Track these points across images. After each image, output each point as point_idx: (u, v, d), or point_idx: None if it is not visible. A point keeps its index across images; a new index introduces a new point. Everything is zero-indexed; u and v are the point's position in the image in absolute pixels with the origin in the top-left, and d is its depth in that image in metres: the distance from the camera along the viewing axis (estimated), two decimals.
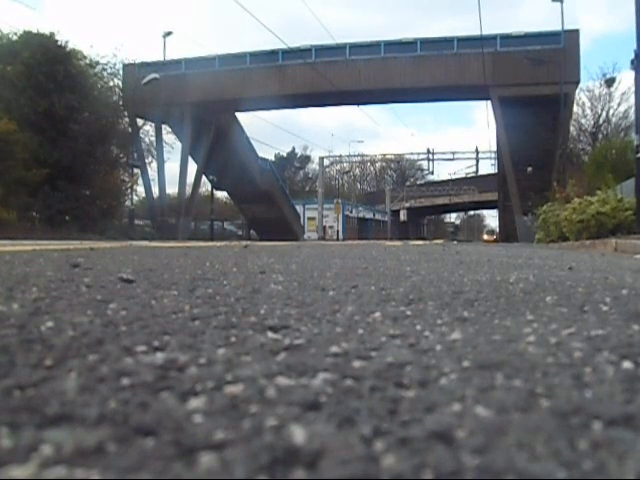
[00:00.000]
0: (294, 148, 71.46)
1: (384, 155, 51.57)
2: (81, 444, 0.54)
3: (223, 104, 31.65)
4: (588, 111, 36.43)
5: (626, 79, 36.15)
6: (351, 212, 53.96)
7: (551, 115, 27.34)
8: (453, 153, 44.95)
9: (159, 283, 2.02)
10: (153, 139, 33.03)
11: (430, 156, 45.04)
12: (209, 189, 39.13)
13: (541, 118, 28.10)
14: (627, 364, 0.88)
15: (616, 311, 1.49)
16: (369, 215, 59.49)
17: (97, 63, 28.96)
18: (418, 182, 71.31)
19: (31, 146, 22.81)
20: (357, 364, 0.87)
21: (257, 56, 31.77)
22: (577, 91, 30.61)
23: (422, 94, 32.42)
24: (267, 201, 37.33)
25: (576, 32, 29.27)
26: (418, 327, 1.22)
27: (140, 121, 32.42)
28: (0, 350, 0.91)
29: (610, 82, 33.62)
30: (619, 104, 35.58)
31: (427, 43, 30.31)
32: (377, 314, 1.39)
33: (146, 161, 32.53)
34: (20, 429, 0.58)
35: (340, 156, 49.70)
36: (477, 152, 43.64)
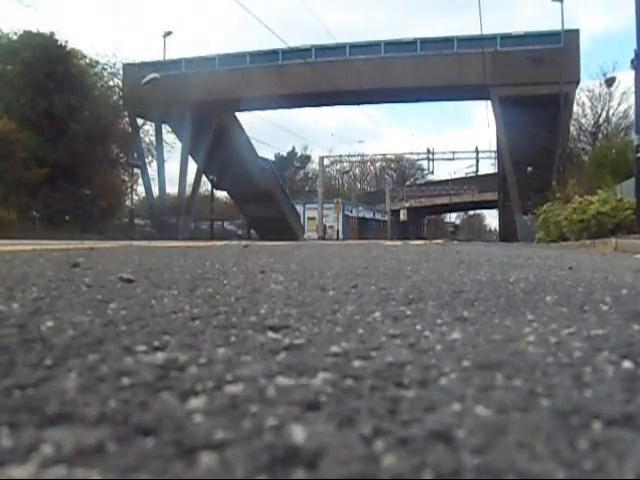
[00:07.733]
0: (294, 148, 71.12)
1: (384, 155, 51.54)
2: (81, 444, 0.54)
3: (223, 104, 31.61)
4: (588, 111, 36.40)
5: (626, 79, 36.13)
6: (351, 212, 53.85)
7: (551, 115, 27.32)
8: (453, 153, 44.82)
9: (159, 283, 2.02)
10: (153, 139, 33.03)
11: (430, 156, 44.94)
12: (209, 189, 39.05)
13: (541, 118, 28.08)
14: (627, 364, 0.88)
15: (616, 311, 1.49)
16: (369, 215, 59.34)
17: (97, 63, 29.03)
18: (418, 182, 71.01)
19: (31, 146, 22.83)
20: (357, 364, 0.87)
21: (257, 56, 31.73)
22: (577, 91, 30.61)
23: (422, 94, 32.37)
24: (267, 201, 37.27)
25: (576, 32, 29.24)
26: (418, 327, 1.22)
27: (140, 121, 32.45)
28: (0, 349, 0.91)
29: (610, 82, 33.57)
30: (619, 104, 35.56)
31: (427, 43, 30.28)
32: (377, 314, 1.39)
33: (146, 161, 32.57)
34: (20, 429, 0.58)
35: (340, 156, 49.69)
36: (477, 152, 43.53)
